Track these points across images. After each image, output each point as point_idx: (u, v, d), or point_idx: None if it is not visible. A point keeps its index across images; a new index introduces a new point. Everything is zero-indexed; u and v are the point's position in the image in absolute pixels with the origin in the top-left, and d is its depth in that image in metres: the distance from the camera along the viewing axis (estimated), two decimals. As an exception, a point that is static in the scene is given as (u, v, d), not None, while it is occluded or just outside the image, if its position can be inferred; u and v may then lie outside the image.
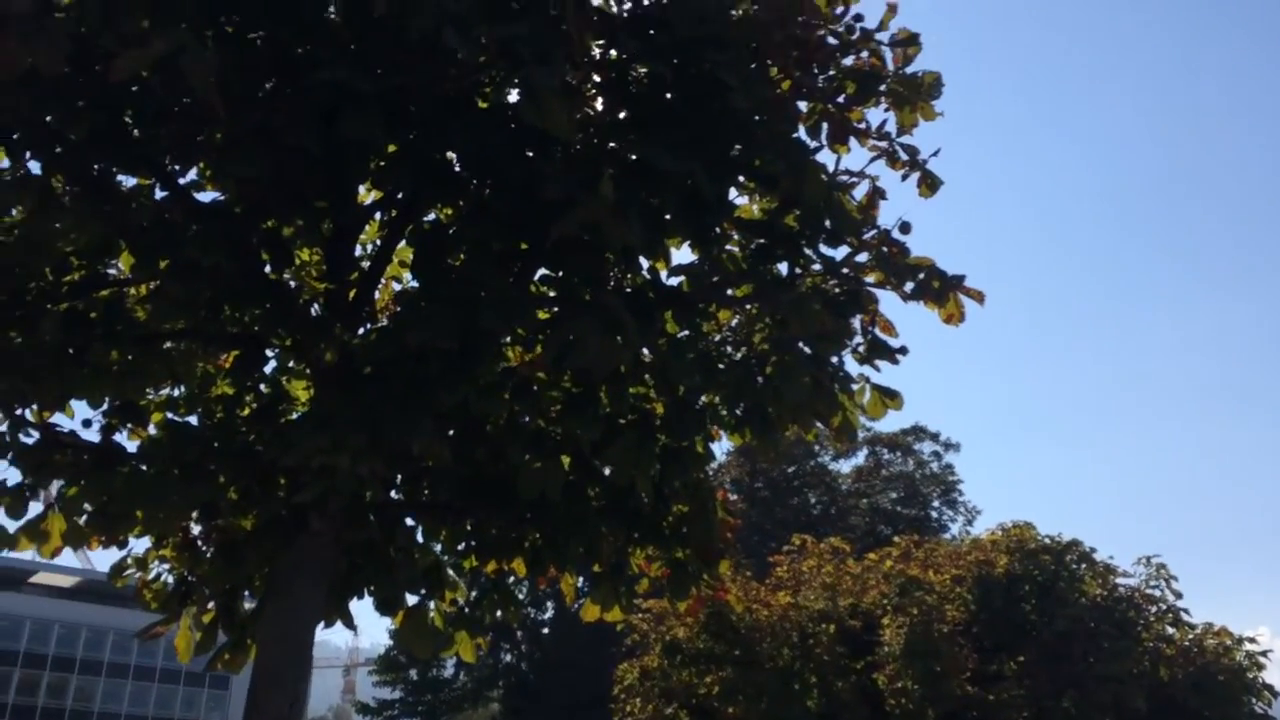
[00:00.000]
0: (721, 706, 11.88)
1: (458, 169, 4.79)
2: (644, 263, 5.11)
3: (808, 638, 11.64)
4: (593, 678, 19.99)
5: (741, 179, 5.12)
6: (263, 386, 5.79)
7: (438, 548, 6.10)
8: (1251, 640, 11.77)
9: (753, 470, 41.90)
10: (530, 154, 4.54)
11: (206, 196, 5.25)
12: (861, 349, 5.60)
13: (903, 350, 5.47)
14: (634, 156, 4.52)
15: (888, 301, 5.77)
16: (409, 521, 5.84)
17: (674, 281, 5.40)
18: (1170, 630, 11.79)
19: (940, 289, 5.20)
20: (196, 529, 5.67)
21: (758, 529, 36.76)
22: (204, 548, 5.64)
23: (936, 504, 43.15)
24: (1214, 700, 10.91)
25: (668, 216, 4.75)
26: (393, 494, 5.74)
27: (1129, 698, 10.32)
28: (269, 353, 5.53)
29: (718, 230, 5.18)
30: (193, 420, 5.66)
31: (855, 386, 5.75)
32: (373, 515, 5.14)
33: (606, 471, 5.92)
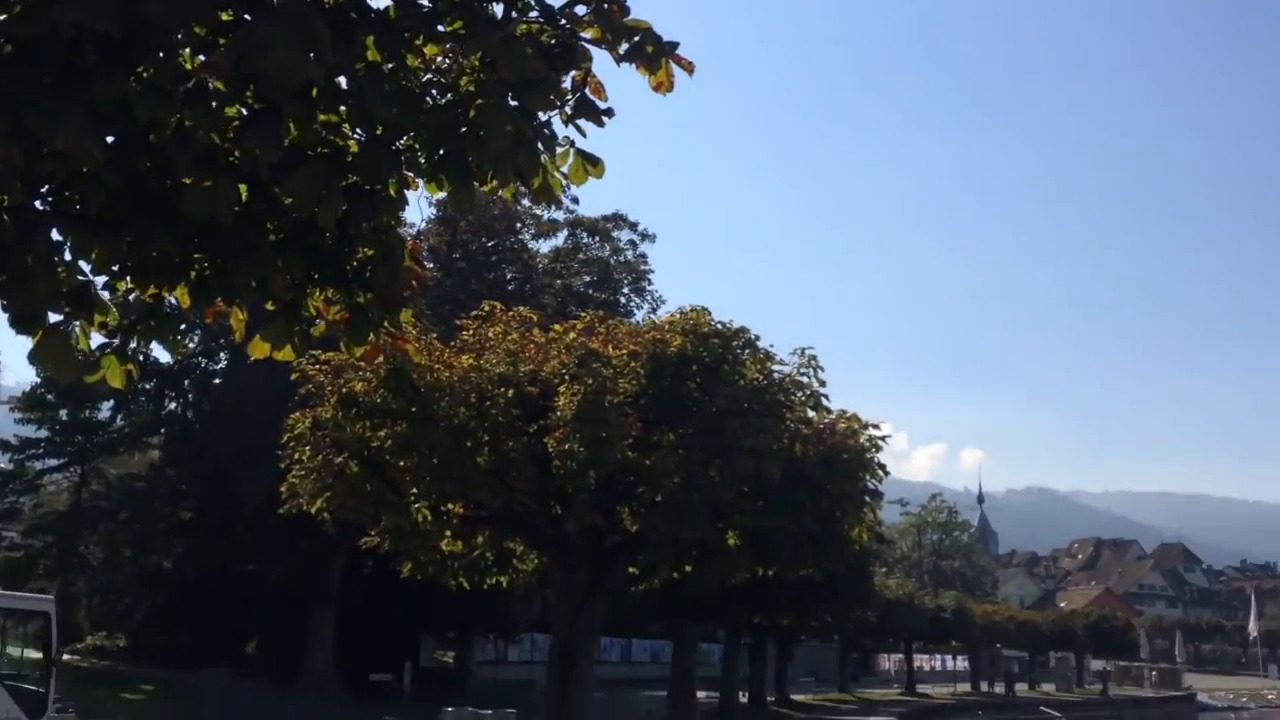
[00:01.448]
0: (393, 460, 12.03)
1: None
2: (348, -21, 4.65)
3: (485, 399, 11.89)
4: (262, 431, 19.52)
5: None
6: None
7: (87, 267, 5.52)
8: (875, 427, 13.34)
9: (452, 240, 41.47)
10: None
11: None
12: (569, 107, 5.49)
13: (608, 113, 5.42)
14: None
15: (599, 64, 5.66)
16: (56, 236, 5.24)
17: (381, 5, 5.00)
18: (811, 414, 13.07)
19: (654, 54, 5.13)
20: None
21: (452, 299, 36.71)
22: None
23: (627, 291, 44.85)
24: (836, 475, 12.39)
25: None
26: (39, 205, 5.10)
27: (767, 469, 11.44)
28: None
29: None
30: None
31: (560, 149, 5.68)
32: (8, 216, 4.53)
33: (288, 203, 5.53)
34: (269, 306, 6.22)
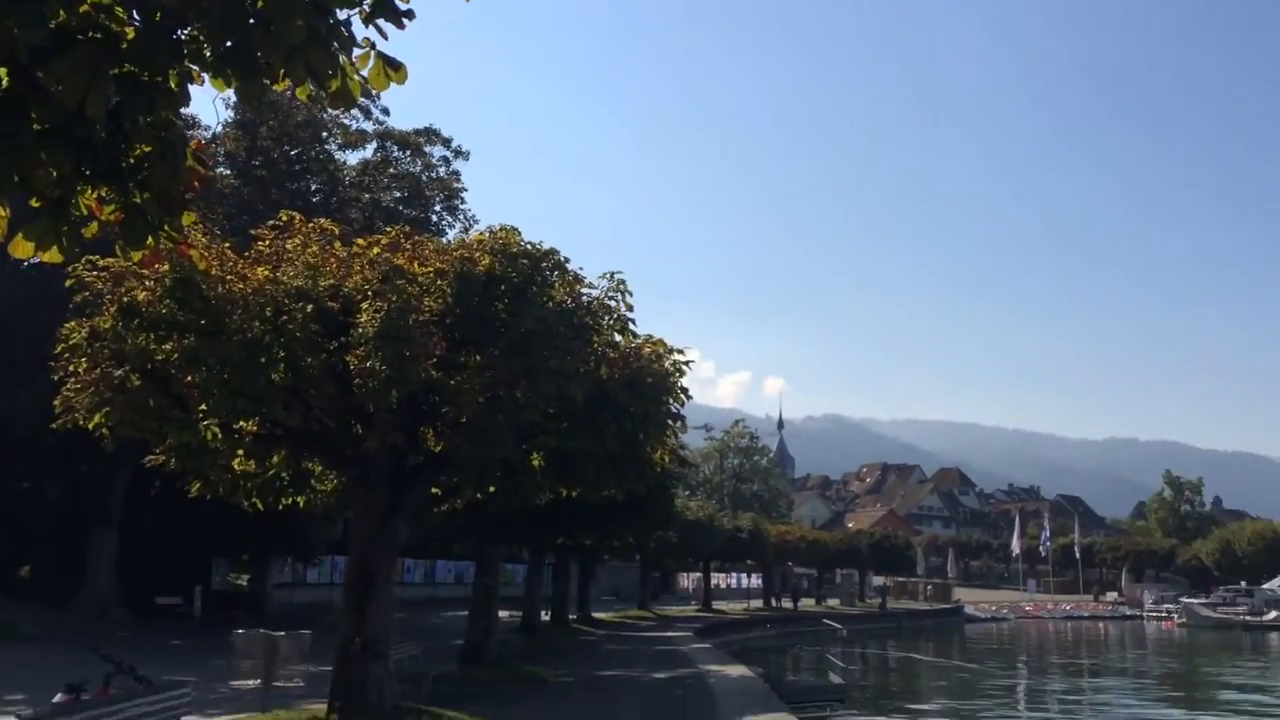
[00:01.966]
0: (180, 374, 11.41)
1: None
2: None
3: (282, 314, 11.38)
4: (34, 342, 18.14)
5: None
6: None
7: None
8: (680, 352, 13.60)
9: (251, 146, 39.23)
10: None
11: None
12: (368, 5, 5.22)
13: (409, 14, 5.19)
14: None
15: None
16: None
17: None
18: (618, 338, 13.18)
19: (458, -45, 4.94)
20: None
21: (250, 209, 34.88)
22: None
23: (439, 209, 43.74)
24: (640, 398, 12.58)
25: None
26: None
27: (572, 391, 11.50)
28: None
29: None
30: None
31: (359, 51, 5.41)
32: None
33: (54, 91, 5.06)
34: (34, 203, 5.73)
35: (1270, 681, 39.85)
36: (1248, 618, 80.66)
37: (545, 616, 35.98)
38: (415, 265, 12.49)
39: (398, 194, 41.71)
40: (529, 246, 12.70)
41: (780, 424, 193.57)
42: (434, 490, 15.34)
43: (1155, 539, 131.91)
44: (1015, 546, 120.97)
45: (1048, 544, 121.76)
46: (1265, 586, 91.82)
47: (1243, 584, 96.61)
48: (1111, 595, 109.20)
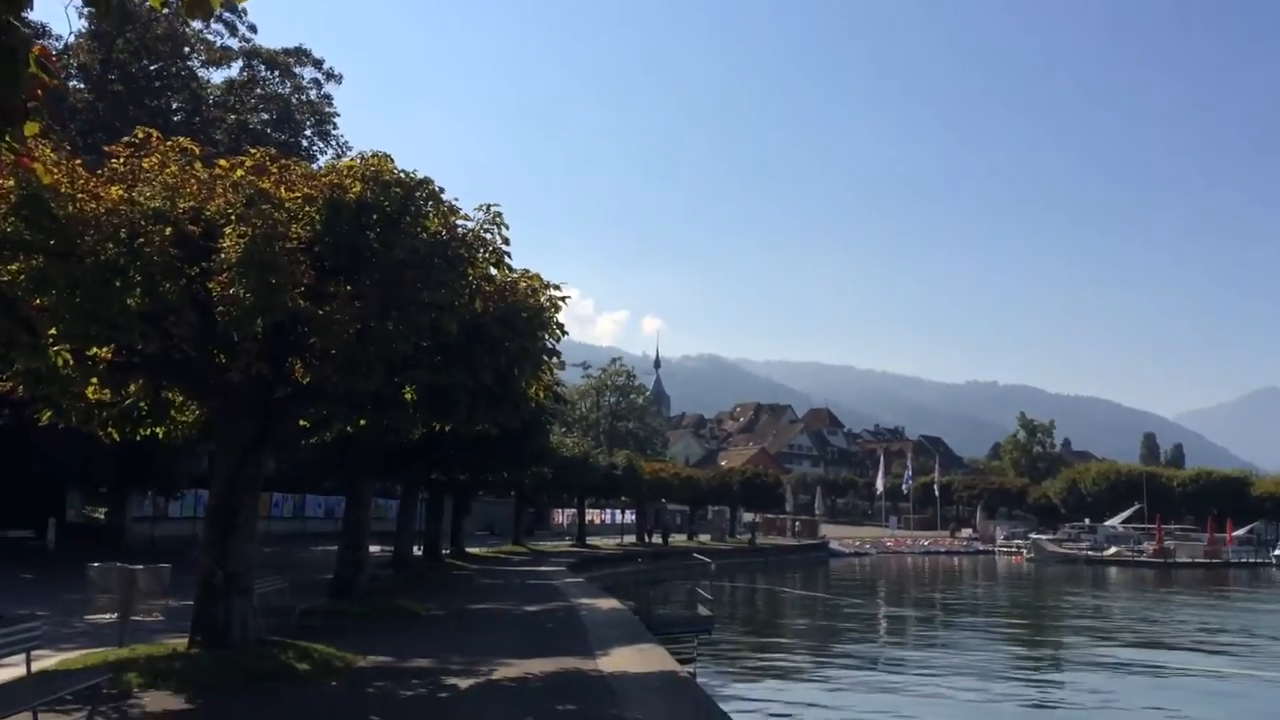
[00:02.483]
0: (28, 296, 10.82)
1: None
2: None
3: (138, 236, 10.86)
4: None
5: None
6: None
7: None
8: (556, 288, 13.53)
9: (107, 59, 37.05)
10: None
11: None
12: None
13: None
14: None
15: None
16: None
17: None
18: (493, 271, 13.03)
19: None
20: None
21: (106, 125, 33.08)
22: None
23: (309, 133, 42.30)
24: (515, 332, 12.50)
25: None
26: None
27: (445, 324, 11.35)
28: None
29: None
30: None
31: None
32: None
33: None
34: None
35: (1105, 604, 42.67)
36: (1090, 553, 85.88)
37: (418, 552, 35.82)
38: (282, 190, 12.05)
39: (266, 116, 40.10)
40: (402, 175, 12.38)
41: (657, 363, 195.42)
42: (302, 423, 15.01)
43: (1009, 478, 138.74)
44: (879, 485, 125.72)
45: (910, 483, 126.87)
46: (1107, 523, 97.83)
47: (1087, 521, 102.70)
48: (966, 532, 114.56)
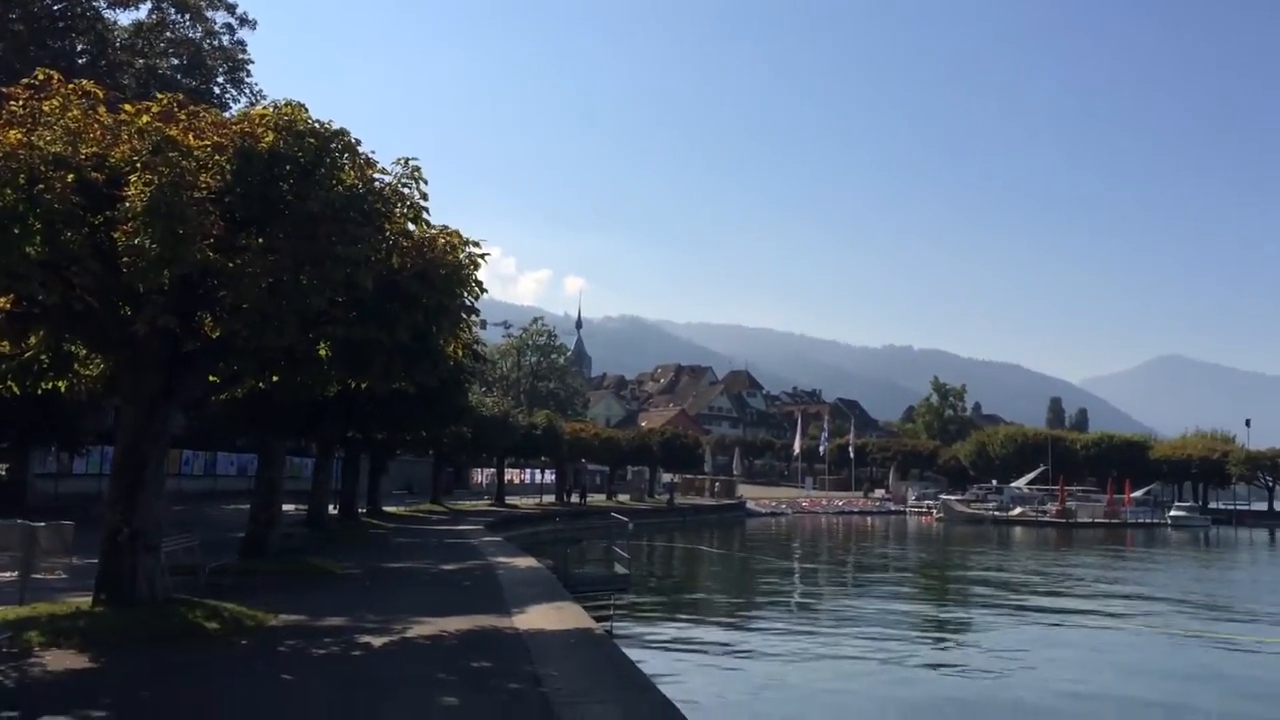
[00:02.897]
0: (-82, 243, 10.35)
1: None
2: None
3: (37, 182, 10.45)
4: None
5: None
6: None
7: None
8: (476, 244, 13.38)
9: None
10: None
11: None
12: None
13: None
14: None
15: None
16: None
17: None
18: (411, 227, 12.82)
19: None
20: None
21: (5, 67, 31.61)
22: None
23: (222, 80, 40.97)
24: (433, 289, 12.33)
25: None
26: None
27: (360, 279, 11.17)
28: None
29: None
30: None
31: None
32: None
33: None
34: None
35: (1009, 562, 44.16)
36: (996, 513, 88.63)
37: (334, 510, 35.44)
38: (191, 138, 11.66)
39: (176, 62, 38.72)
40: (317, 125, 12.07)
41: (579, 323, 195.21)
42: (211, 378, 14.65)
43: (921, 441, 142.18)
44: (796, 446, 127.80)
45: (826, 444, 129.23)
46: (1013, 485, 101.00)
47: (994, 483, 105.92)
48: (880, 492, 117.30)
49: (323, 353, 13.51)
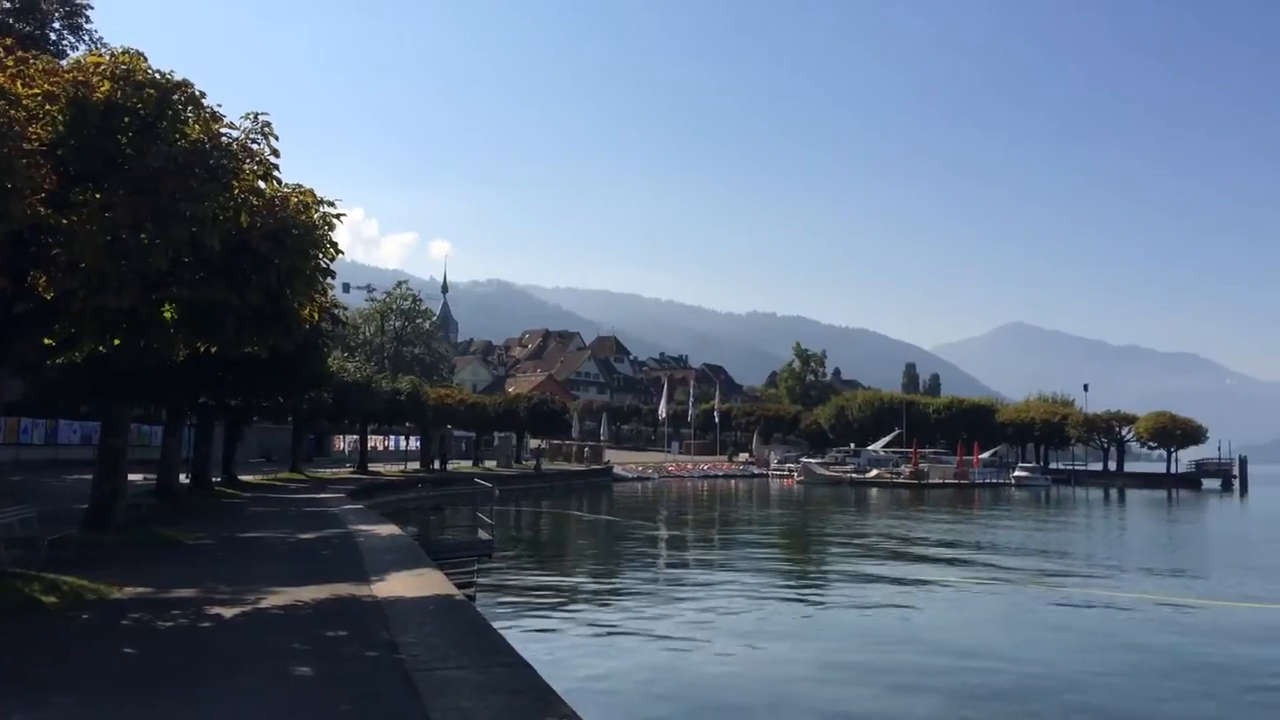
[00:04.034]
0: None
1: None
2: None
3: None
4: None
5: None
6: None
7: None
8: (331, 204, 13.00)
9: None
10: None
11: None
12: None
13: None
14: None
15: None
16: None
17: None
18: (261, 185, 12.36)
19: None
20: None
21: None
22: None
23: (58, 26, 38.59)
24: (286, 250, 11.92)
25: None
26: None
27: (205, 238, 10.73)
28: None
29: None
30: None
31: None
32: None
33: None
34: None
35: (862, 523, 45.82)
36: (854, 475, 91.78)
37: (185, 480, 34.15)
38: (19, 86, 10.96)
39: (7, 5, 36.23)
40: (158, 75, 11.49)
41: (445, 287, 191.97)
42: (46, 341, 13.89)
43: (784, 405, 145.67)
44: (663, 411, 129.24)
45: (692, 409, 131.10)
46: (870, 448, 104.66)
47: (852, 446, 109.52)
48: (744, 456, 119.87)
49: (168, 315, 12.96)
